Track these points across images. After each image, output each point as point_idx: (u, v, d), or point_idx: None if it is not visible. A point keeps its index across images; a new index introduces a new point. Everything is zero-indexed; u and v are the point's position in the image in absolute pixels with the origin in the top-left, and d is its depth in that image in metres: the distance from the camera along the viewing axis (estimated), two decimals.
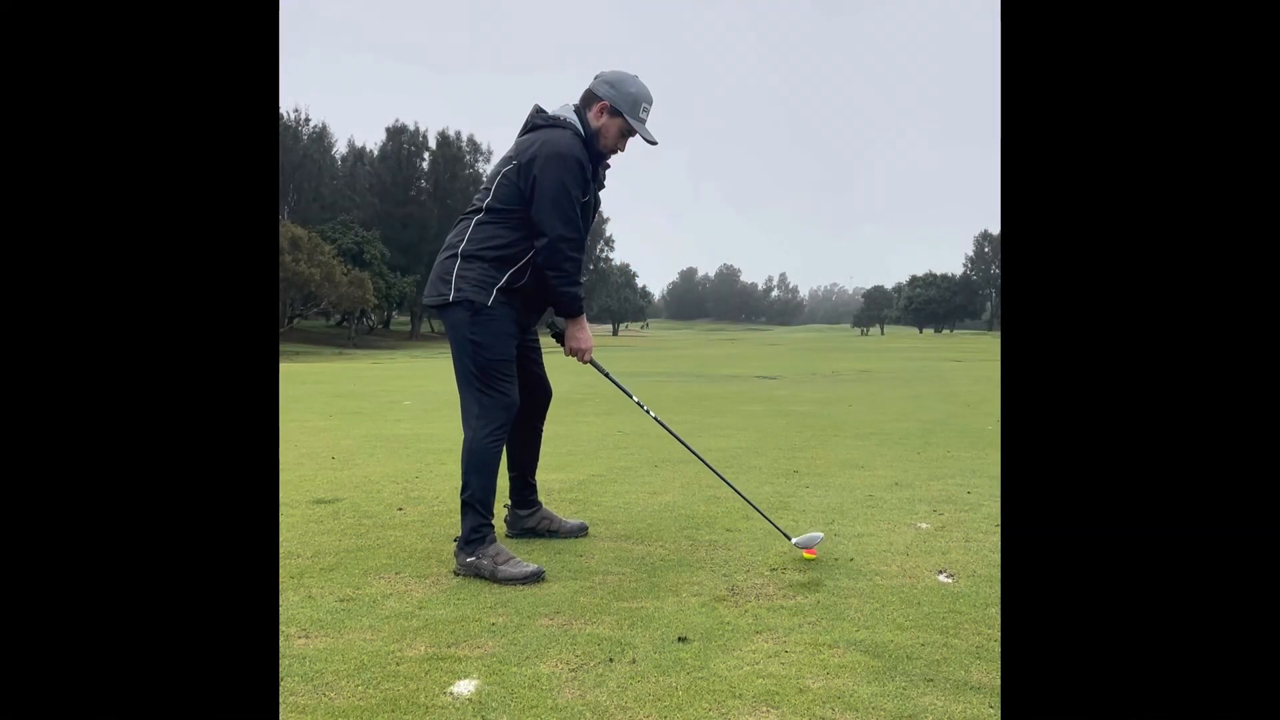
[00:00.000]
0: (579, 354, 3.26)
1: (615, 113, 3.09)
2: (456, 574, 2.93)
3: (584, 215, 3.09)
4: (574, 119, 3.10)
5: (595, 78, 3.16)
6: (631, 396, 3.49)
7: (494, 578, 2.85)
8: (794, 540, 3.13)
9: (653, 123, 3.17)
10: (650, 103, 3.13)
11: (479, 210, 3.10)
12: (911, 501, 4.18)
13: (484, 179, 3.30)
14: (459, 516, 3.72)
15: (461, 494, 3.00)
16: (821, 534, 3.17)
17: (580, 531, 3.50)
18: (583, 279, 3.16)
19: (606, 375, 3.39)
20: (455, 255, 3.08)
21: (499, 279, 3.04)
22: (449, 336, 3.12)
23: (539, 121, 3.13)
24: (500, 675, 2.08)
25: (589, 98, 3.13)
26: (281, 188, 41.39)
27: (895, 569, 3.00)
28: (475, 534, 2.94)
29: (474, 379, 3.03)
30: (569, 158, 2.98)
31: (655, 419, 3.45)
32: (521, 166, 3.02)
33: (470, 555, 2.92)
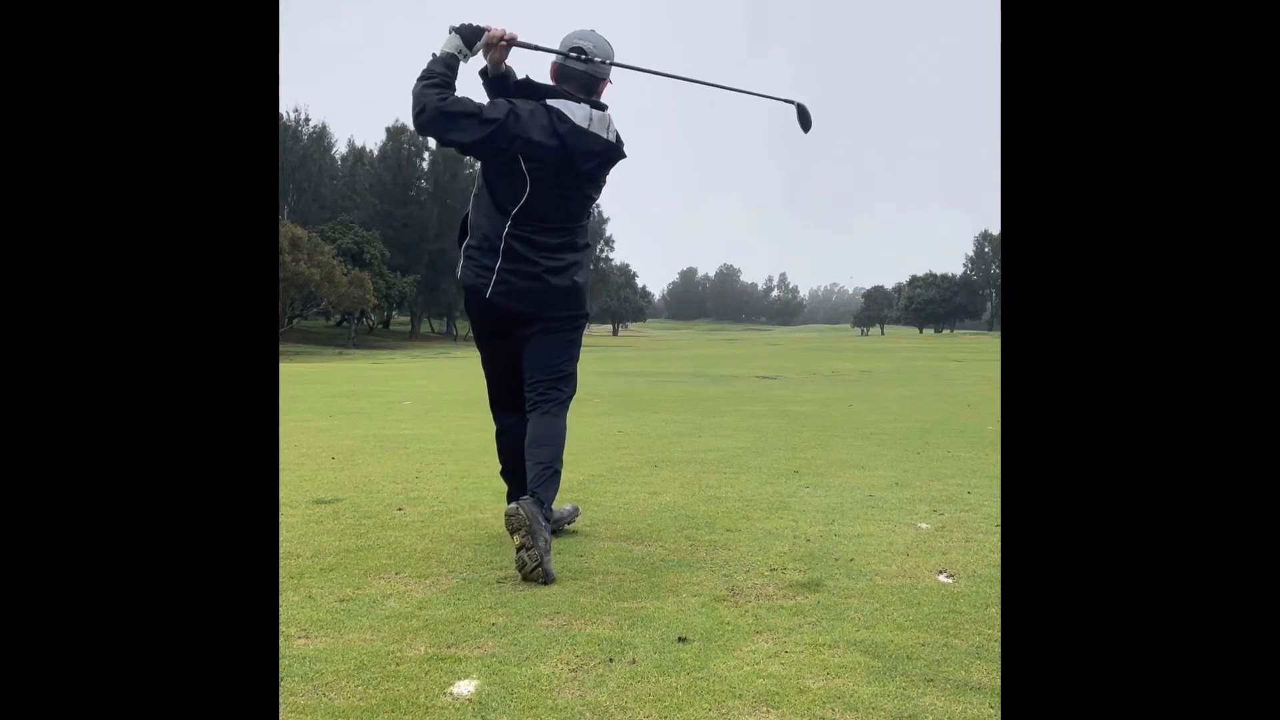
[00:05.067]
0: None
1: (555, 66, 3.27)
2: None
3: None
4: None
5: None
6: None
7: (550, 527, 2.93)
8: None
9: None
10: (589, 43, 3.22)
11: None
12: (911, 501, 4.18)
13: None
14: (459, 516, 3.76)
15: None
16: None
17: (573, 515, 3.55)
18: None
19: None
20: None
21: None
22: None
23: None
24: (500, 675, 2.08)
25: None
26: (281, 188, 41.38)
27: (895, 569, 3.00)
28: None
29: None
30: None
31: None
32: None
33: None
